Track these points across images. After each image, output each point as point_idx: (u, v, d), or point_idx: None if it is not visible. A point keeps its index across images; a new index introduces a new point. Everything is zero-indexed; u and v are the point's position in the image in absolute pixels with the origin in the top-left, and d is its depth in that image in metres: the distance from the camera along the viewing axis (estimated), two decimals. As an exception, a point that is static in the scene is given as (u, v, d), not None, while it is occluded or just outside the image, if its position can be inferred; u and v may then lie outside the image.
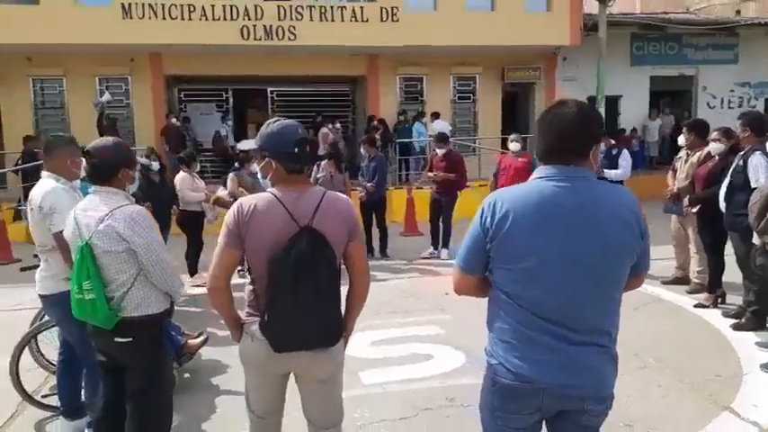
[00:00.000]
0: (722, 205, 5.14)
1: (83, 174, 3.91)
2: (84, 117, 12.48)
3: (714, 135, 5.63)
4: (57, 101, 13.57)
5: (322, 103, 15.29)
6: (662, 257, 7.24)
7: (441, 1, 13.46)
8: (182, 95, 14.71)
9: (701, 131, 5.98)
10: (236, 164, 8.06)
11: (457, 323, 5.29)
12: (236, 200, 7.37)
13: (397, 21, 13.06)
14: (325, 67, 14.04)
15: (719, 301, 5.69)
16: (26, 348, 4.01)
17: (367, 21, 12.97)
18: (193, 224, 7.31)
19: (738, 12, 20.41)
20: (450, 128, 14.00)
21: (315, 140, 12.87)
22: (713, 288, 5.69)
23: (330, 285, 2.31)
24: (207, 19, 12.33)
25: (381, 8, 13.01)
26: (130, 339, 2.74)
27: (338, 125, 14.17)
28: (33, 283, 3.66)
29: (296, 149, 2.38)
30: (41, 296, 3.55)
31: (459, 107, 15.21)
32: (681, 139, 6.12)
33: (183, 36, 12.22)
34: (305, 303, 2.27)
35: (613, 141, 7.46)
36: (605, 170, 6.98)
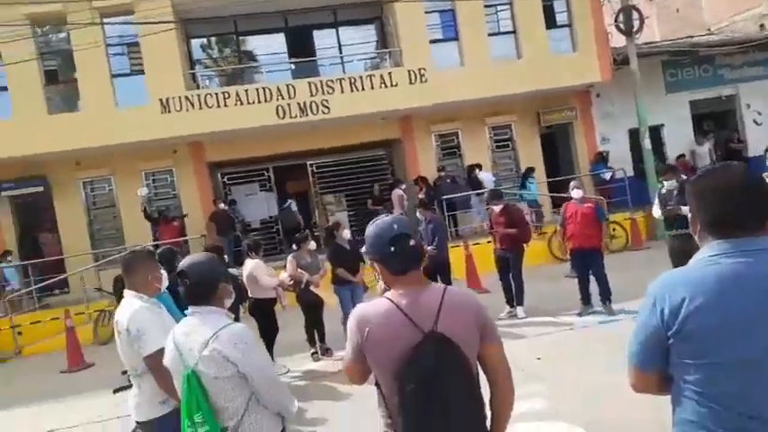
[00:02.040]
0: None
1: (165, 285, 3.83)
2: (135, 213, 12.74)
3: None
4: (107, 200, 13.92)
5: (361, 170, 15.36)
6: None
7: (466, 56, 13.55)
8: (225, 179, 14.95)
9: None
10: (294, 245, 7.96)
11: (561, 392, 4.92)
12: (296, 283, 7.38)
13: (426, 81, 13.17)
14: (360, 134, 14.18)
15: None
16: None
17: (396, 85, 13.11)
18: (266, 312, 7.19)
19: (762, 26, 20.09)
20: (494, 178, 13.84)
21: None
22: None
23: (470, 397, 2.07)
24: (242, 104, 12.62)
25: (409, 71, 13.16)
26: (250, 474, 2.52)
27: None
28: (108, 388, 3.51)
29: (392, 248, 2.18)
30: (139, 423, 3.39)
31: (498, 156, 15.06)
32: None
33: (221, 123, 12.51)
34: (443, 422, 2.02)
35: (685, 176, 7.14)
36: (683, 207, 6.63)
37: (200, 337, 2.54)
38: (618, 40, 14.31)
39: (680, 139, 15.29)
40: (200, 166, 14.02)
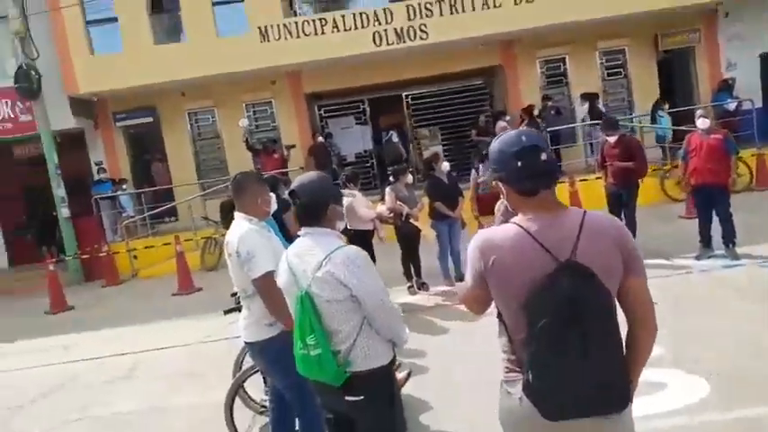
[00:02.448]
0: None
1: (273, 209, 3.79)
2: (237, 145, 13.03)
3: None
4: (211, 131, 14.35)
5: (457, 102, 14.81)
6: None
7: (580, -30, 12.39)
8: (322, 112, 14.93)
9: None
10: (391, 177, 7.80)
11: (678, 339, 4.55)
12: (396, 215, 7.26)
13: (532, 1, 12.22)
14: (459, 62, 13.57)
15: None
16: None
17: (500, 6, 12.26)
18: (364, 243, 7.14)
19: None
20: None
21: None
22: None
23: (609, 335, 1.83)
24: (339, 30, 12.35)
25: (515, -10, 12.26)
26: (362, 397, 2.44)
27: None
28: (216, 311, 3.54)
29: (518, 163, 1.90)
30: (247, 343, 3.43)
31: (609, 84, 13.96)
32: None
33: (319, 52, 12.33)
34: (579, 361, 1.79)
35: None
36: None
37: (313, 258, 2.44)
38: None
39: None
40: (298, 98, 14.05)
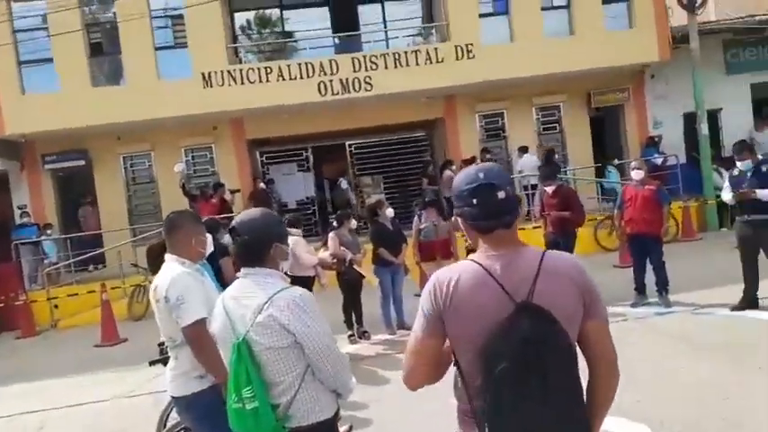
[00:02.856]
0: None
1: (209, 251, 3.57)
2: (173, 190, 12.62)
3: None
4: (146, 175, 13.89)
5: (399, 152, 15.01)
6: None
7: (517, 31, 12.98)
8: (264, 158, 14.78)
9: None
10: (335, 222, 7.67)
11: (620, 387, 4.51)
12: (339, 261, 7.11)
13: (473, 57, 12.66)
14: (402, 114, 13.79)
15: None
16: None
17: (442, 61, 12.65)
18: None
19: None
20: (539, 162, 13.29)
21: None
22: None
23: (570, 380, 1.72)
24: (284, 79, 12.37)
25: (456, 46, 12.67)
26: (302, 455, 2.22)
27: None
28: (141, 363, 3.28)
29: (474, 200, 1.82)
30: (174, 398, 3.14)
31: (544, 139, 14.47)
32: None
33: (263, 99, 12.29)
34: (539, 408, 1.67)
35: (761, 157, 6.59)
36: (757, 190, 6.10)
37: (252, 301, 2.25)
38: (675, 19, 13.52)
39: (738, 124, 14.42)
40: (239, 144, 13.87)
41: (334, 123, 13.56)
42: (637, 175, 7.26)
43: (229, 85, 12.29)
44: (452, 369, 1.93)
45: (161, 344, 3.44)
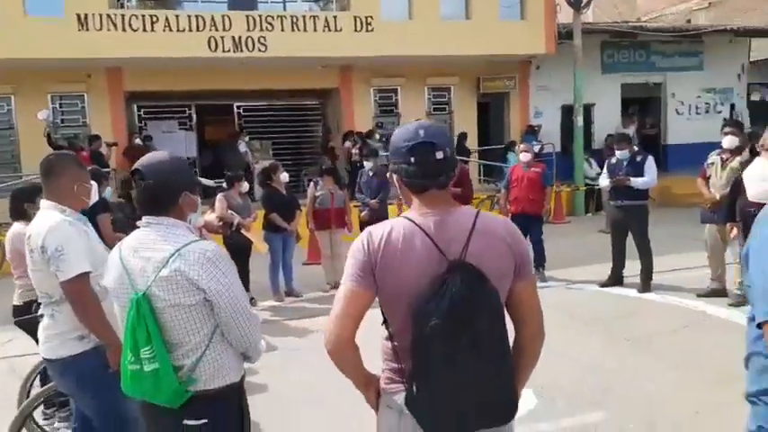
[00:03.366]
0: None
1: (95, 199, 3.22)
2: (36, 139, 11.35)
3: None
4: (5, 121, 12.41)
5: (291, 119, 14.64)
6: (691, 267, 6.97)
7: (416, 10, 13.02)
8: (142, 112, 13.75)
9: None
10: (225, 184, 7.32)
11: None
12: (225, 224, 6.80)
13: (372, 30, 12.56)
14: (296, 80, 13.40)
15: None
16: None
17: (340, 30, 12.41)
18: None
19: (689, 21, 20.97)
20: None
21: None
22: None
23: (500, 340, 1.73)
24: (171, 30, 11.50)
25: (356, 17, 12.48)
26: (205, 421, 2.06)
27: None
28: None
29: (411, 159, 1.77)
30: (48, 360, 2.83)
31: (434, 119, 14.74)
32: (727, 142, 5.75)
33: (146, 49, 11.31)
34: (468, 369, 1.67)
35: (636, 148, 7.13)
36: (631, 178, 6.61)
37: (157, 254, 2.03)
38: (560, 16, 14.29)
39: (609, 120, 15.64)
40: (116, 95, 12.76)
41: (222, 82, 12.88)
42: (524, 157, 7.61)
43: (108, 30, 11.19)
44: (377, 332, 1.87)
45: (29, 301, 3.08)
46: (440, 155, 1.78)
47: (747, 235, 5.08)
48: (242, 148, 13.32)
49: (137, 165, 2.14)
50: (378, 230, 1.78)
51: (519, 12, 13.80)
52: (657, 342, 5.19)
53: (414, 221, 1.78)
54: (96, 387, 2.69)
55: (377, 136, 12.95)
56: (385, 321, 1.84)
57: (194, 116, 14.20)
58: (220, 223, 6.84)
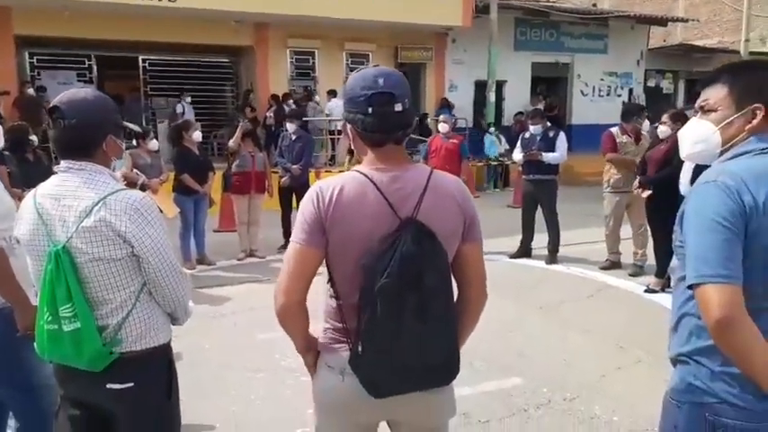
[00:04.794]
0: (685, 189, 5.14)
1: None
2: None
3: (663, 118, 5.69)
4: None
5: (202, 76, 13.95)
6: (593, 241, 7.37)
7: (332, -30, 12.69)
8: (34, 60, 12.57)
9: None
10: (133, 141, 6.84)
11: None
12: (129, 184, 6.40)
13: (291, -12, 12.12)
14: (207, 35, 12.74)
15: (667, 284, 5.76)
16: None
17: (257, -14, 11.89)
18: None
19: (594, 5, 21.94)
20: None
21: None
22: (663, 272, 5.73)
23: (447, 300, 1.71)
24: (69, -31, 10.54)
25: (274, -27, 11.99)
26: (131, 384, 1.91)
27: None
28: None
29: (369, 109, 1.67)
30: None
31: (350, 85, 14.58)
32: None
33: (40, -12, 10.34)
34: (415, 328, 1.64)
35: (549, 123, 7.37)
36: (543, 153, 6.84)
37: (78, 202, 1.83)
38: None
39: (519, 97, 16.16)
40: (4, 40, 11.54)
41: (126, 32, 12.02)
42: (443, 128, 7.68)
43: (-5, -37, 10.11)
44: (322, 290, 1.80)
45: None
46: (398, 107, 1.69)
47: (653, 203, 5.41)
48: (178, 109, 12.57)
49: (56, 101, 1.91)
50: (328, 186, 1.70)
51: (438, -19, 13.79)
52: (565, 310, 5.46)
53: (366, 176, 1.70)
54: (4, 358, 2.43)
55: (290, 101, 12.62)
56: (330, 279, 1.77)
57: (95, 68, 13.21)
58: (124, 183, 6.42)
